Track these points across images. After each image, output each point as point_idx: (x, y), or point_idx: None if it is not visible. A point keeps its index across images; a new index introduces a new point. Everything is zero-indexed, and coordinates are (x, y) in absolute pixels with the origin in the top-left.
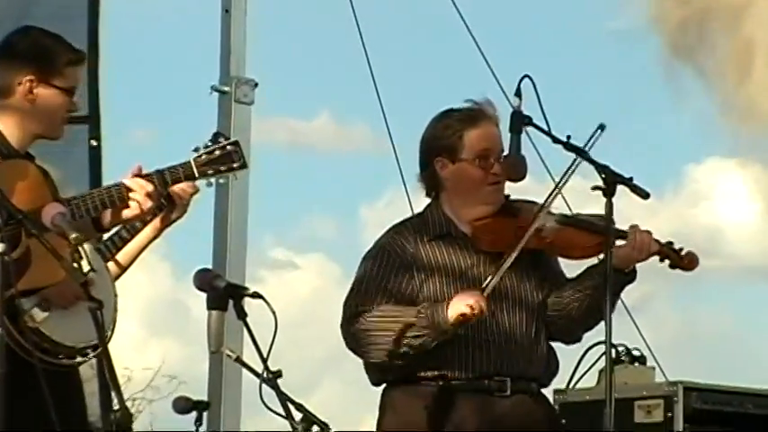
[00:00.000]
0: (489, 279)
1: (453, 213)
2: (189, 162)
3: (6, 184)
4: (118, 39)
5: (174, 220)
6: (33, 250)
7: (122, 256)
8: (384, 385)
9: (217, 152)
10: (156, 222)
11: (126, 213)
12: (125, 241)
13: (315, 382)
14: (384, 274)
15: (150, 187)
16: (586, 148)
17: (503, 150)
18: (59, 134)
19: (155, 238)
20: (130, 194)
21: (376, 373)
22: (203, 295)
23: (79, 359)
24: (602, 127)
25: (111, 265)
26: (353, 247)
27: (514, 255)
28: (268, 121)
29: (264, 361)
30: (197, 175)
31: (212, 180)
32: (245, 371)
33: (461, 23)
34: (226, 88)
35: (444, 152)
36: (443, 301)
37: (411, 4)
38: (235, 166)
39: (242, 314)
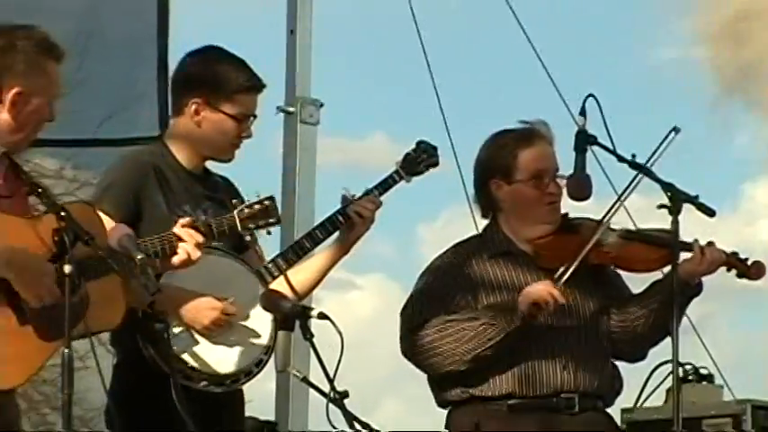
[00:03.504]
0: (562, 270)
1: (512, 233)
2: (233, 215)
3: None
4: None
5: (359, 237)
6: (91, 296)
7: (300, 283)
8: (450, 407)
9: (256, 207)
10: (339, 245)
11: (174, 260)
12: (291, 264)
13: (376, 402)
14: (443, 288)
15: (200, 238)
16: (660, 150)
17: (558, 169)
18: (229, 158)
19: (339, 258)
20: (180, 244)
21: (442, 394)
22: None
23: (228, 385)
24: (675, 130)
25: (285, 290)
26: (412, 267)
27: (577, 262)
28: (323, 140)
29: (331, 381)
30: (240, 228)
31: (253, 233)
32: (311, 390)
33: (527, 43)
34: (291, 109)
35: (499, 173)
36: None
37: (476, 24)
38: (271, 221)
39: (308, 335)
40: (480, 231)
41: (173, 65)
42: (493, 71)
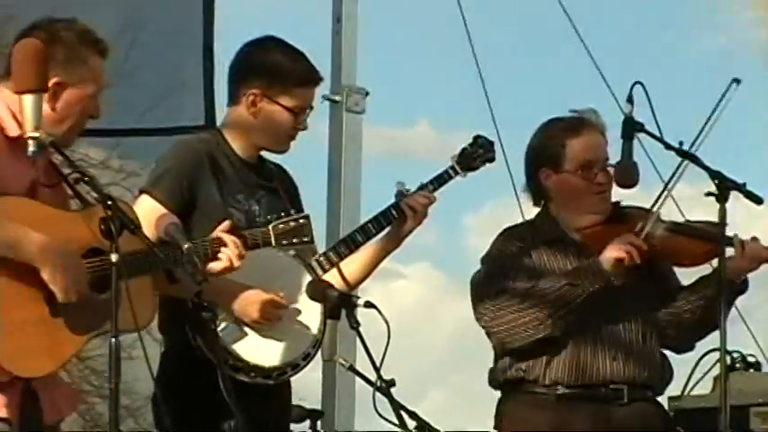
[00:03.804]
0: (641, 225)
1: (562, 221)
2: (268, 230)
3: None
4: (231, 49)
5: (410, 231)
6: (123, 295)
7: (351, 274)
8: (501, 393)
9: (292, 224)
10: (390, 238)
11: (214, 266)
12: (342, 257)
13: (421, 392)
14: (503, 272)
15: (242, 247)
16: (720, 106)
17: (607, 159)
18: (285, 149)
19: (390, 251)
20: (222, 249)
21: (499, 373)
22: None
23: (275, 378)
24: (736, 81)
25: (336, 281)
26: (458, 256)
27: (653, 220)
28: (368, 129)
29: (378, 370)
30: (274, 243)
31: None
32: (358, 379)
33: (573, 31)
34: (337, 97)
35: (548, 163)
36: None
37: (522, 14)
38: (305, 240)
39: (355, 324)
40: (531, 218)
41: (218, 53)
42: (538, 59)
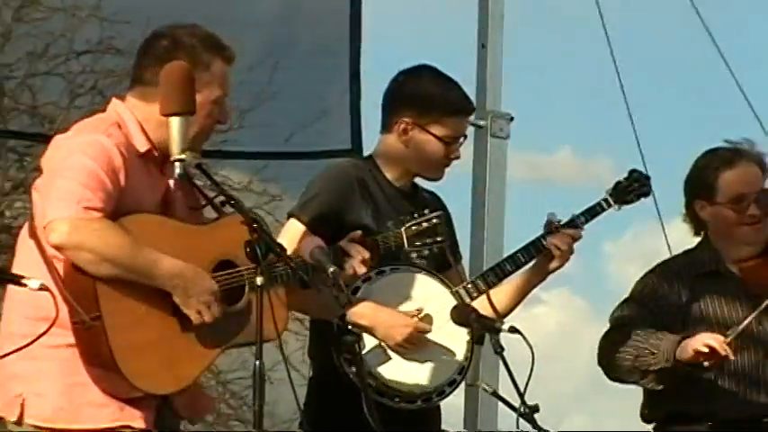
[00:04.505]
0: (733, 329)
1: (721, 252)
2: (400, 232)
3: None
4: (377, 73)
5: (555, 269)
6: (255, 306)
7: (500, 304)
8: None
9: (424, 224)
10: (536, 272)
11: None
12: (490, 286)
13: (562, 417)
14: (651, 297)
15: (366, 254)
16: None
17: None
18: (438, 176)
19: (537, 284)
20: (347, 259)
21: (644, 411)
22: None
23: (419, 404)
24: None
25: (486, 309)
26: (597, 283)
27: (747, 321)
28: (510, 154)
29: (522, 395)
30: (406, 245)
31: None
32: (500, 404)
33: (720, 59)
34: (482, 122)
35: (702, 194)
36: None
37: (668, 41)
38: (438, 240)
39: (499, 348)
40: (689, 248)
41: (363, 77)
42: (685, 87)
